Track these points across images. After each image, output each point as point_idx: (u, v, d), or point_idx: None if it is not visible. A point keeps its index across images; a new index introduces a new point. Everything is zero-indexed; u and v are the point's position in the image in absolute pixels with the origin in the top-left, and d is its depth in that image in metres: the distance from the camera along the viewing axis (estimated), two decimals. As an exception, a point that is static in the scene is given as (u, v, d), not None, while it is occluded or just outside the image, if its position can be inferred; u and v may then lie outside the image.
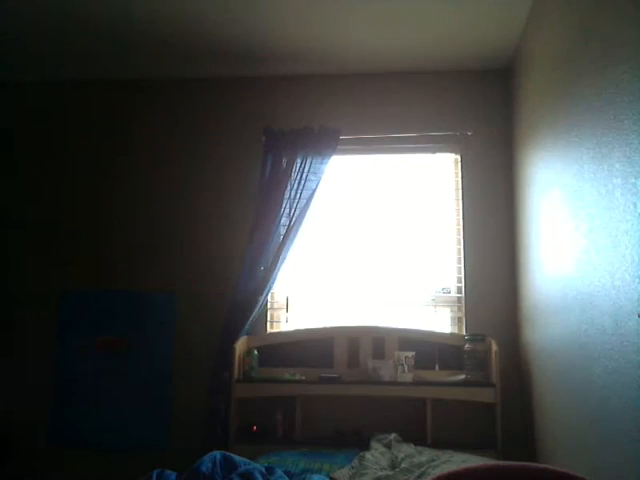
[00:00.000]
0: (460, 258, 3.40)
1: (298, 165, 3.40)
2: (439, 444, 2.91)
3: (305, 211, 3.34)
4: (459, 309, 3.38)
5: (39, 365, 3.50)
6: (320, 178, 3.36)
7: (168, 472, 2.47)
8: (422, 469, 2.54)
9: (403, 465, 2.61)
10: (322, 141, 3.37)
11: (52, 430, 3.45)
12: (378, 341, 3.26)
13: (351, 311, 3.43)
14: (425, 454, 2.73)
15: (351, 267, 3.50)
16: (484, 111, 3.46)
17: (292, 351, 3.31)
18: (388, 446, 2.86)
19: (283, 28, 3.08)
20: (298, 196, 3.36)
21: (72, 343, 3.49)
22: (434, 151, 3.54)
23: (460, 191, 3.46)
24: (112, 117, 3.72)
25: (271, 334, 3.45)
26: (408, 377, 3.09)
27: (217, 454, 2.54)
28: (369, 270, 3.48)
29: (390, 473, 2.55)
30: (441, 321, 3.40)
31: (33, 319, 3.54)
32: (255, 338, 3.35)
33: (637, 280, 1.49)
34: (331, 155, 3.37)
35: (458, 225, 3.45)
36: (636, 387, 1.51)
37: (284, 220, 3.38)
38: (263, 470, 2.53)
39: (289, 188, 3.39)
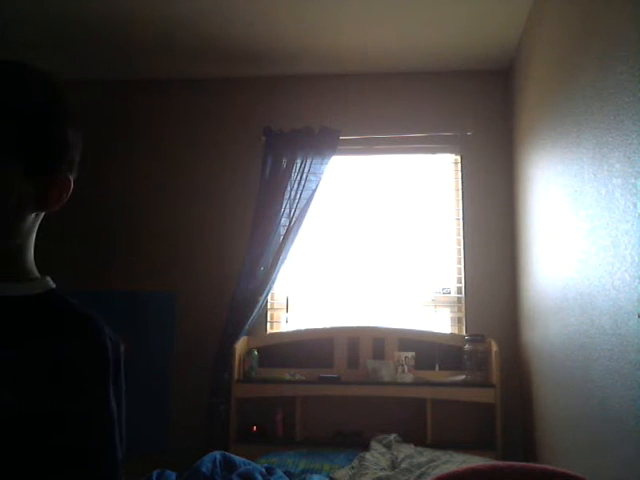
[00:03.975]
0: (460, 258, 3.40)
1: (298, 165, 3.40)
2: (439, 444, 2.91)
3: (305, 211, 3.34)
4: (459, 309, 3.38)
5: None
6: (320, 178, 3.36)
7: (168, 472, 2.48)
8: (422, 469, 2.55)
9: (403, 465, 2.62)
10: (322, 141, 3.37)
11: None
12: (378, 341, 3.26)
13: (351, 311, 3.43)
14: (425, 454, 2.73)
15: (351, 267, 3.49)
16: (484, 111, 3.46)
17: (292, 351, 3.31)
18: (388, 446, 2.86)
19: (283, 28, 3.08)
20: (298, 196, 3.36)
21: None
22: (434, 151, 3.53)
23: (460, 191, 3.46)
24: (112, 117, 3.72)
25: (271, 334, 3.45)
26: (408, 377, 3.09)
27: (217, 454, 2.54)
28: (369, 270, 3.48)
29: (390, 473, 2.55)
30: (441, 321, 3.40)
31: (33, 319, 3.54)
32: (255, 338, 3.35)
33: (637, 280, 1.49)
34: (331, 155, 3.38)
35: (458, 225, 3.45)
36: (636, 387, 1.51)
37: (284, 220, 3.38)
38: (263, 470, 2.53)
39: (289, 188, 3.39)
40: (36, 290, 0.90)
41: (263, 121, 3.48)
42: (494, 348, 3.02)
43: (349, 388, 3.10)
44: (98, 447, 0.83)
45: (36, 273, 0.93)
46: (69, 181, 0.90)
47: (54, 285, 0.95)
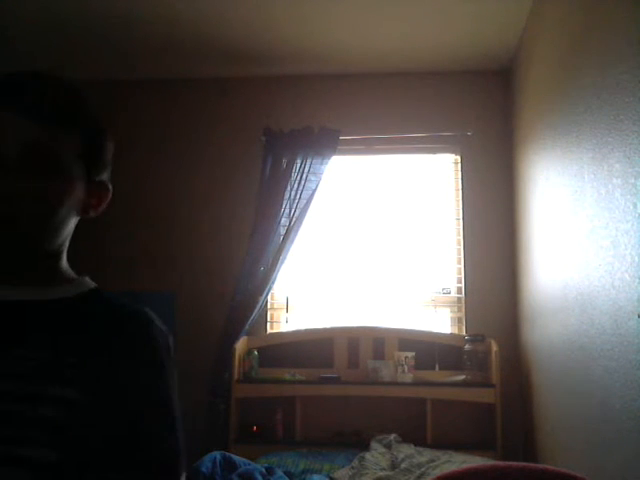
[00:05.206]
0: (460, 258, 3.40)
1: (298, 165, 3.40)
2: (439, 444, 2.91)
3: (305, 211, 3.34)
4: (459, 309, 3.38)
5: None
6: (320, 178, 3.36)
7: (168, 472, 2.47)
8: (422, 469, 2.55)
9: (403, 465, 2.62)
10: (322, 141, 3.37)
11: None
12: (378, 341, 3.26)
13: (351, 311, 3.43)
14: (425, 454, 2.73)
15: (351, 267, 3.49)
16: (484, 111, 3.46)
17: (292, 351, 3.31)
18: (388, 446, 2.86)
19: (283, 28, 3.08)
20: (298, 196, 3.36)
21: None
22: (434, 151, 3.54)
23: (460, 191, 3.46)
24: (111, 117, 3.71)
25: (271, 334, 3.45)
26: (408, 377, 3.09)
27: (217, 454, 2.54)
28: (369, 270, 3.48)
29: (390, 473, 2.55)
30: (441, 321, 3.40)
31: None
32: (255, 338, 3.35)
33: (637, 280, 1.49)
34: (331, 155, 3.37)
35: (458, 225, 3.45)
36: (636, 387, 1.51)
37: (284, 220, 3.38)
38: (263, 470, 2.53)
39: (289, 188, 3.39)
40: (77, 291, 0.94)
41: (263, 121, 3.48)
42: (494, 348, 3.02)
43: (349, 388, 3.10)
44: (167, 433, 0.88)
45: (73, 274, 0.98)
46: (109, 189, 0.97)
47: (94, 284, 0.99)
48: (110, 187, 0.98)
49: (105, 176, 0.97)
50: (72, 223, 0.93)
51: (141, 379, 0.87)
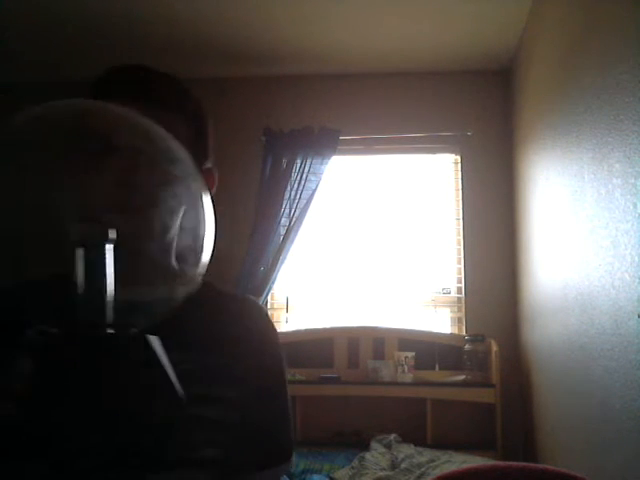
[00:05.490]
0: (460, 258, 3.40)
1: (298, 165, 3.40)
2: (439, 444, 2.91)
3: (305, 211, 3.34)
4: (459, 309, 3.38)
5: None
6: (320, 178, 3.36)
7: (168, 472, 2.47)
8: (422, 469, 2.55)
9: (403, 465, 2.62)
10: (322, 141, 3.37)
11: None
12: (378, 341, 3.26)
13: (351, 311, 3.43)
14: (425, 454, 2.73)
15: (351, 267, 3.50)
16: (484, 111, 3.46)
17: (292, 351, 3.31)
18: (388, 446, 2.86)
19: (283, 28, 3.08)
20: (298, 196, 3.36)
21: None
22: (434, 151, 3.54)
23: (460, 191, 3.46)
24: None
25: (271, 334, 3.44)
26: (408, 377, 3.09)
27: (217, 454, 2.54)
28: (369, 270, 3.48)
29: (390, 473, 2.55)
30: (441, 321, 3.40)
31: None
32: (255, 338, 3.34)
33: (637, 280, 1.49)
34: (331, 155, 3.37)
35: (458, 225, 3.45)
36: (636, 387, 1.51)
37: (284, 220, 3.38)
38: (263, 470, 2.53)
39: (289, 188, 3.39)
40: (195, 286, 0.93)
41: (263, 121, 3.48)
42: (494, 348, 3.02)
43: (349, 388, 3.10)
44: (288, 420, 0.96)
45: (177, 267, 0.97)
46: (216, 177, 0.97)
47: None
48: (216, 175, 0.97)
49: (210, 164, 0.97)
50: (181, 214, 0.93)
51: (272, 368, 0.94)
